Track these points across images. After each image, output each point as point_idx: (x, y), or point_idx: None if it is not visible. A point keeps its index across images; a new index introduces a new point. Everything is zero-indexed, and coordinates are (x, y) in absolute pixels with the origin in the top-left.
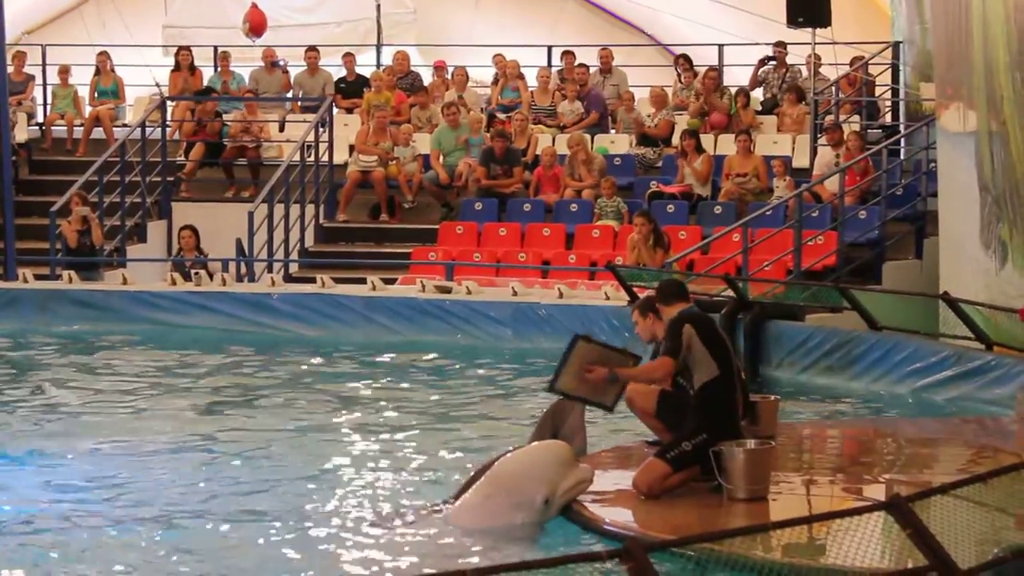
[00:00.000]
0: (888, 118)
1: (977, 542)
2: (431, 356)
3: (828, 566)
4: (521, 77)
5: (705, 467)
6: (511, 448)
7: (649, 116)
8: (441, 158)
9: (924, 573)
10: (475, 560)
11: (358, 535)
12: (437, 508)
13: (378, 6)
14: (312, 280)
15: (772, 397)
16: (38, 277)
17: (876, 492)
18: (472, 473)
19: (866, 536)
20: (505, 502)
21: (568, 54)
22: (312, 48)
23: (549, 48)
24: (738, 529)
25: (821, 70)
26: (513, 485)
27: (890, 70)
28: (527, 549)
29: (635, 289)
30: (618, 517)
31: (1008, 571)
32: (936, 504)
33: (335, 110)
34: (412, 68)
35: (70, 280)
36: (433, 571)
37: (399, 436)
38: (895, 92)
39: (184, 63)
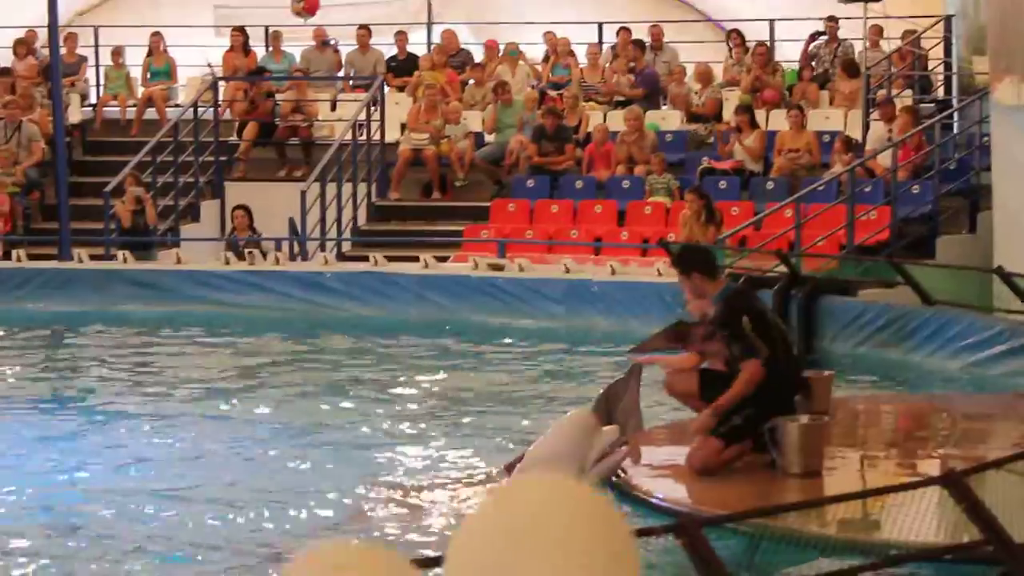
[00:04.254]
0: (941, 92)
1: None
2: (485, 334)
3: (883, 541)
4: (572, 54)
5: (758, 442)
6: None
7: (696, 93)
8: (493, 136)
9: (980, 547)
10: None
11: (409, 505)
12: (493, 479)
13: None
14: (365, 259)
15: (826, 373)
16: (93, 257)
17: (931, 467)
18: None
19: (921, 511)
20: None
21: (624, 30)
22: (363, 27)
23: (600, 25)
24: (792, 504)
25: (873, 44)
26: (543, 466)
27: (942, 43)
28: None
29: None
30: (671, 493)
31: None
32: (991, 479)
33: (386, 89)
34: (462, 46)
35: (124, 260)
36: None
37: (454, 415)
38: (948, 66)
39: (237, 43)
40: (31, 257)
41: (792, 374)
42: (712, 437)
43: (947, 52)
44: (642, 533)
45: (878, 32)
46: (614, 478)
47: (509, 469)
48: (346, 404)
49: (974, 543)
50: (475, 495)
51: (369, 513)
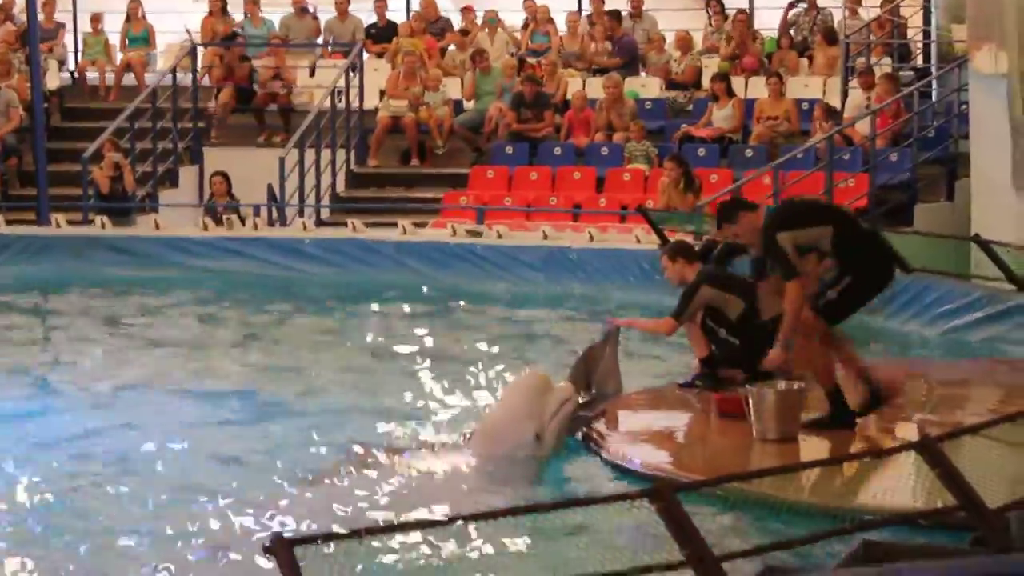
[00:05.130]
0: (920, 60)
1: (1008, 482)
2: (463, 300)
3: (858, 506)
4: (551, 21)
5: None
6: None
7: (676, 60)
8: (472, 103)
9: (953, 513)
10: (497, 501)
11: (380, 468)
12: (457, 444)
13: None
14: (343, 225)
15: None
16: (71, 223)
17: (908, 433)
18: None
19: (896, 476)
20: (499, 448)
21: None
22: None
23: None
24: (766, 470)
25: (856, 13)
26: (502, 432)
27: (921, 12)
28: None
29: (666, 233)
30: (650, 458)
31: None
32: (967, 444)
33: (365, 56)
34: (441, 13)
35: (103, 226)
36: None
37: (432, 379)
38: (927, 34)
39: (215, 9)
40: (9, 223)
41: None
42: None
43: (926, 20)
44: (616, 498)
45: (856, 0)
46: (590, 444)
47: (470, 437)
48: (321, 369)
49: (948, 508)
50: (437, 461)
51: (338, 475)
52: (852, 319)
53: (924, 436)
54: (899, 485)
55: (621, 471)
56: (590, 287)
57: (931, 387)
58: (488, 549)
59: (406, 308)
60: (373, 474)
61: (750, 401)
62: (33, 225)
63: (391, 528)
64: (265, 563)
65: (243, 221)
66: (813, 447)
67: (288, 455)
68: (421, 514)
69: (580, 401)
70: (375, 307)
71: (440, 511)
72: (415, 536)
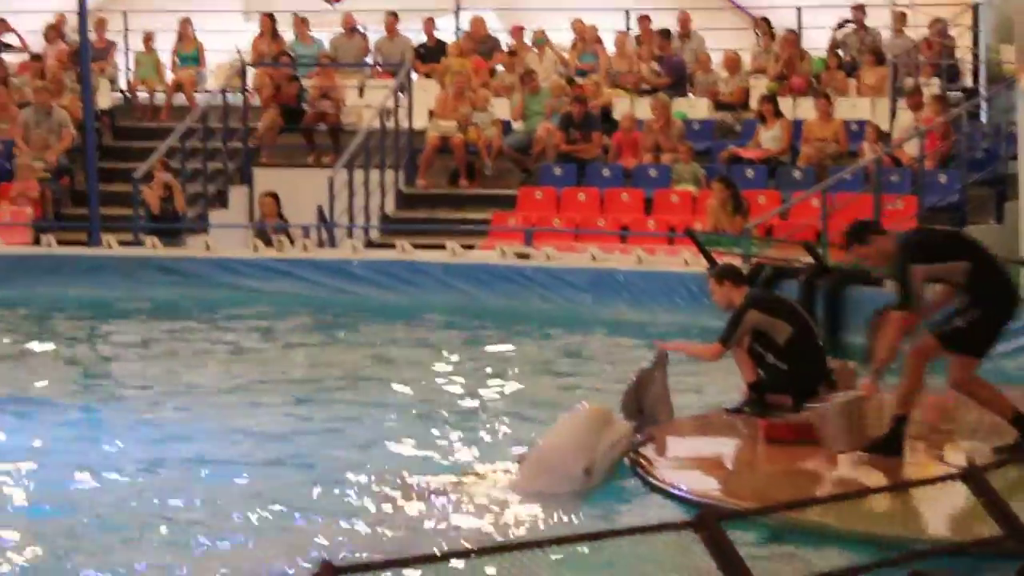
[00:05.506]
0: (968, 81)
1: None
2: (511, 321)
3: (906, 536)
4: (599, 41)
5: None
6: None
7: (724, 81)
8: (521, 124)
9: (999, 543)
10: (542, 528)
11: (425, 494)
12: (505, 472)
13: None
14: (392, 246)
15: (849, 364)
16: (122, 243)
17: (957, 461)
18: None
19: (944, 505)
20: (547, 480)
21: (645, 18)
22: (391, 13)
23: (627, 12)
24: (812, 499)
25: (902, 32)
26: (552, 464)
27: (970, 32)
28: (592, 517)
29: (713, 255)
30: (696, 484)
31: None
32: (1013, 473)
33: (414, 76)
34: (490, 33)
35: (154, 246)
36: (514, 539)
37: (479, 403)
38: (975, 55)
39: (265, 29)
40: (61, 243)
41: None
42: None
43: (975, 41)
44: (659, 528)
45: (902, 20)
46: (638, 469)
47: (521, 461)
48: (369, 392)
49: (994, 538)
50: (490, 487)
51: (384, 501)
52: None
53: (968, 465)
54: (947, 514)
55: (668, 497)
56: (638, 309)
57: (980, 414)
58: None
59: (453, 330)
60: (419, 501)
61: (816, 420)
62: (85, 245)
63: (436, 557)
64: None
65: (292, 242)
66: (862, 475)
67: (333, 480)
68: (466, 542)
69: (632, 430)
70: (422, 329)
71: (485, 539)
72: (458, 564)
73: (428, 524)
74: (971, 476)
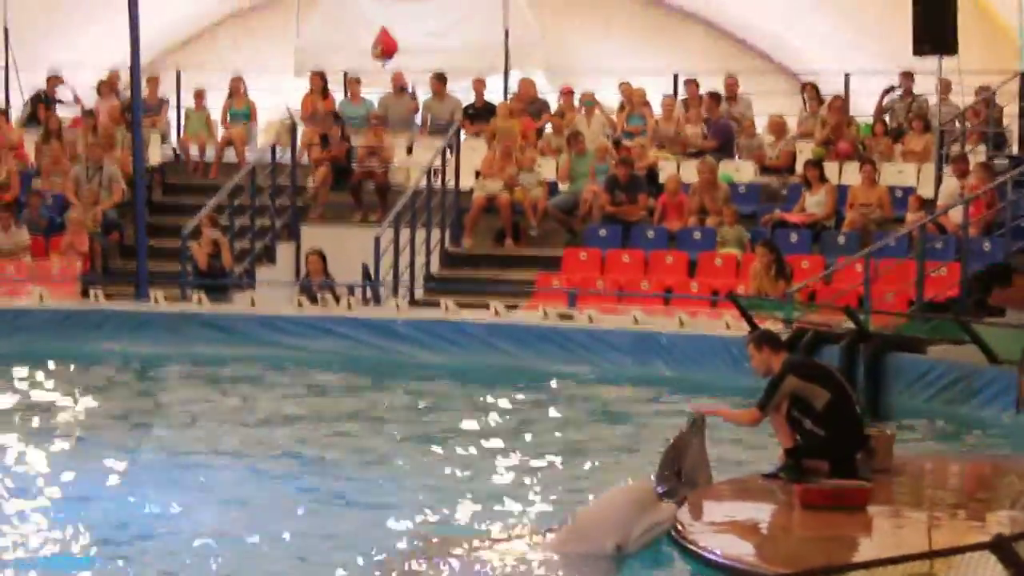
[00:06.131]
0: (1015, 148)
1: None
2: (553, 382)
3: None
4: (646, 104)
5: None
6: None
7: (770, 145)
8: (567, 185)
9: None
10: None
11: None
12: (539, 537)
13: (506, 31)
14: (436, 305)
15: (888, 431)
16: (168, 299)
17: (992, 530)
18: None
19: (967, 573)
20: (578, 548)
21: (691, 83)
22: (438, 75)
23: (676, 76)
24: (840, 566)
25: (948, 99)
26: (585, 534)
27: (1018, 99)
28: None
29: (755, 319)
30: (731, 549)
31: None
32: None
33: (463, 136)
34: (539, 95)
35: (200, 302)
36: None
37: (521, 462)
38: (1023, 123)
39: (316, 87)
40: (108, 297)
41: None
42: None
43: (1022, 109)
44: None
45: (949, 87)
46: (673, 534)
47: (558, 527)
48: (407, 451)
49: None
50: (524, 549)
51: (415, 560)
52: (939, 413)
53: (998, 535)
54: None
55: (702, 562)
56: (679, 372)
57: (1020, 483)
58: None
59: (493, 390)
60: (450, 561)
61: None
62: (132, 300)
63: None
64: None
65: (337, 300)
66: (896, 541)
67: (366, 538)
68: None
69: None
70: (464, 389)
71: None
72: None
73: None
74: (1000, 546)
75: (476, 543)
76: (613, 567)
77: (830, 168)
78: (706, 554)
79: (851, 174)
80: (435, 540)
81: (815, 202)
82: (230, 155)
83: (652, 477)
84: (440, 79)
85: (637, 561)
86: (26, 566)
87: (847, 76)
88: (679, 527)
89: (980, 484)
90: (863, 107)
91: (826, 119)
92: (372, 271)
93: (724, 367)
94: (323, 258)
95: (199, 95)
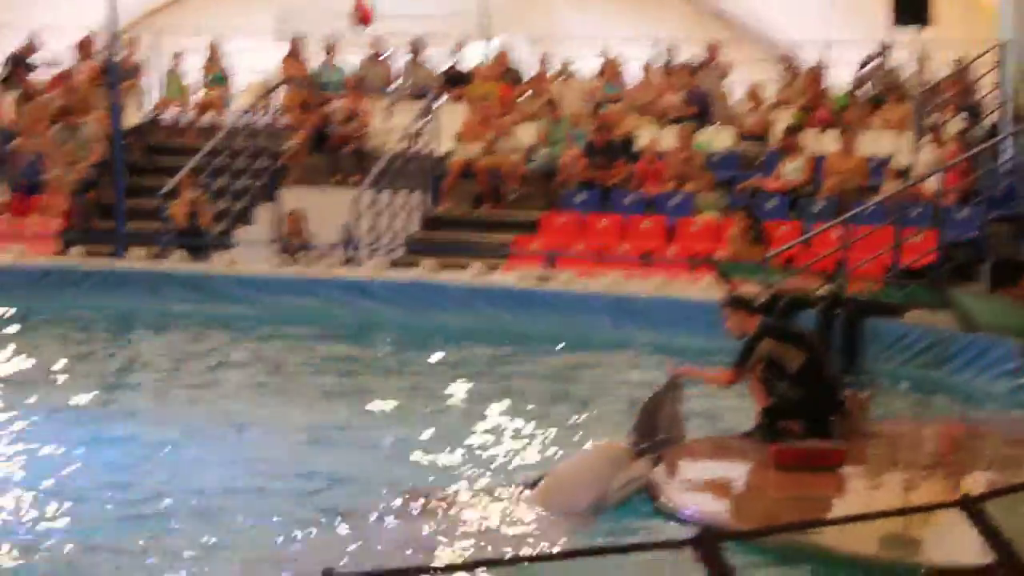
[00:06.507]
0: (993, 119)
1: None
2: (528, 345)
3: (903, 560)
4: (624, 72)
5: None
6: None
7: (747, 114)
8: (545, 149)
9: (993, 570)
10: (537, 544)
11: (434, 510)
12: (518, 492)
13: None
14: (415, 267)
15: (862, 394)
16: (147, 257)
17: (965, 490)
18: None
19: (943, 532)
20: (557, 505)
21: (670, 50)
22: (419, 39)
23: (653, 43)
24: (808, 522)
25: (925, 69)
26: (564, 490)
27: (995, 72)
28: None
29: (732, 284)
30: (704, 507)
31: None
32: (1013, 502)
33: (441, 100)
34: (518, 61)
35: (179, 261)
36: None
37: (498, 421)
38: (999, 94)
39: (296, 51)
40: (88, 254)
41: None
42: None
43: (999, 80)
44: (657, 546)
45: (928, 58)
46: (649, 491)
47: (533, 486)
48: (387, 409)
49: (987, 565)
50: (502, 505)
51: (392, 515)
52: (914, 377)
53: (965, 494)
54: (944, 540)
55: (676, 519)
56: (656, 335)
57: (993, 445)
58: None
59: (471, 351)
60: (430, 515)
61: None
62: (110, 258)
63: (434, 569)
64: None
65: (317, 260)
66: (863, 501)
67: (344, 493)
68: (472, 555)
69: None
70: (440, 350)
71: (491, 554)
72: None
73: (437, 538)
74: (967, 504)
75: (457, 498)
76: (591, 521)
77: (807, 136)
78: (679, 512)
79: (828, 142)
80: (416, 494)
81: (792, 169)
82: (209, 118)
83: (628, 435)
84: (418, 44)
85: (614, 516)
86: None
87: (825, 46)
88: (653, 483)
89: (954, 446)
90: (841, 77)
91: (803, 88)
92: (352, 233)
93: (701, 330)
94: (303, 219)
95: (175, 58)
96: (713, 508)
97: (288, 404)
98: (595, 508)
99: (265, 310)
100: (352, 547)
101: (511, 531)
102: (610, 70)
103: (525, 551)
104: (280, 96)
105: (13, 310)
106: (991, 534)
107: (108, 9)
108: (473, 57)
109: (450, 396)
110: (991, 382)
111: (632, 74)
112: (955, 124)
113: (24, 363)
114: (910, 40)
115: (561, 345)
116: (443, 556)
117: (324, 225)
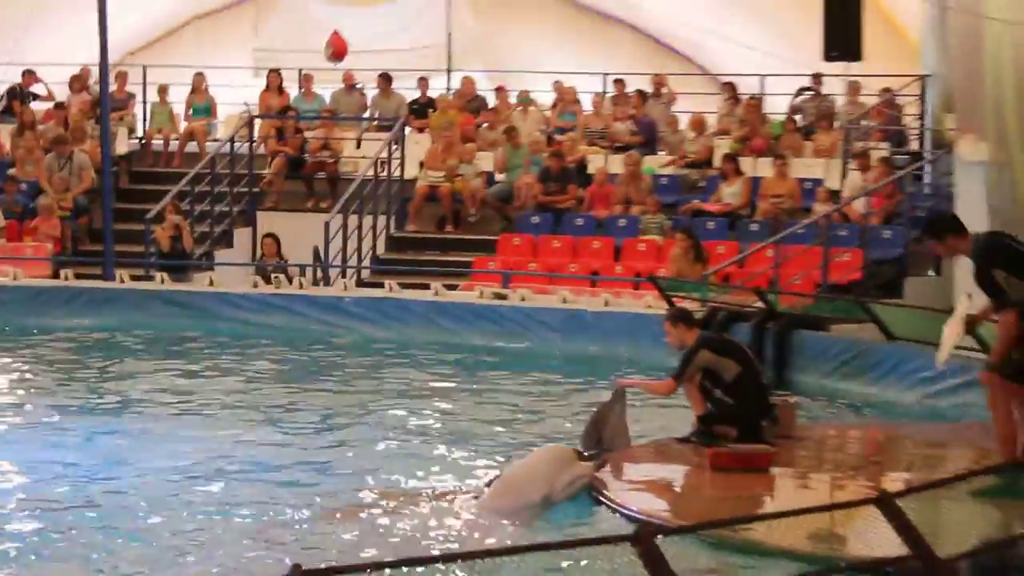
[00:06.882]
0: (915, 146)
1: (959, 534)
2: (486, 357)
3: (825, 553)
4: (577, 102)
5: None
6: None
7: (690, 140)
8: (503, 176)
9: (906, 562)
10: (491, 540)
11: (396, 510)
12: (474, 493)
13: (449, 34)
14: (381, 285)
15: (791, 400)
16: (133, 278)
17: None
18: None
19: (862, 527)
20: (509, 502)
21: (619, 82)
22: (383, 74)
23: (604, 75)
24: (740, 518)
25: (855, 100)
26: (515, 488)
27: (918, 102)
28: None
29: (674, 300)
30: (646, 506)
31: (984, 561)
32: (926, 499)
33: (407, 129)
34: (478, 92)
35: (162, 281)
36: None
37: (456, 427)
38: (922, 122)
39: (273, 84)
40: (77, 276)
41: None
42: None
43: (922, 109)
44: (597, 541)
45: (857, 89)
46: (594, 492)
47: (488, 485)
48: (353, 417)
49: (901, 557)
50: (459, 505)
51: (360, 515)
52: (838, 386)
53: (881, 492)
54: (863, 535)
55: (620, 517)
56: (603, 347)
57: (912, 447)
58: None
59: (433, 363)
60: (393, 514)
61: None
62: (99, 279)
63: (397, 563)
64: None
65: (290, 280)
66: (793, 498)
67: (312, 492)
68: (431, 550)
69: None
70: (406, 362)
71: (448, 548)
72: (419, 570)
73: (401, 534)
74: (883, 501)
75: (415, 498)
76: (540, 515)
77: (745, 162)
78: (623, 510)
79: (764, 168)
80: (375, 495)
81: (731, 193)
82: (192, 147)
83: (577, 441)
84: (386, 78)
85: (561, 511)
86: None
87: (762, 79)
88: (599, 483)
89: (875, 449)
90: (777, 106)
91: (743, 117)
92: (322, 254)
93: (645, 343)
94: (277, 241)
95: (163, 91)
96: (654, 506)
97: (257, 411)
98: (544, 504)
99: (242, 325)
100: (315, 545)
101: (468, 528)
102: (564, 99)
103: (480, 546)
104: (258, 126)
105: (8, 328)
106: (905, 528)
107: (100, 46)
108: (437, 89)
109: (413, 405)
110: (908, 389)
111: (585, 104)
112: (881, 151)
113: (15, 376)
114: (841, 73)
115: (516, 357)
116: (401, 550)
117: (298, 247)
